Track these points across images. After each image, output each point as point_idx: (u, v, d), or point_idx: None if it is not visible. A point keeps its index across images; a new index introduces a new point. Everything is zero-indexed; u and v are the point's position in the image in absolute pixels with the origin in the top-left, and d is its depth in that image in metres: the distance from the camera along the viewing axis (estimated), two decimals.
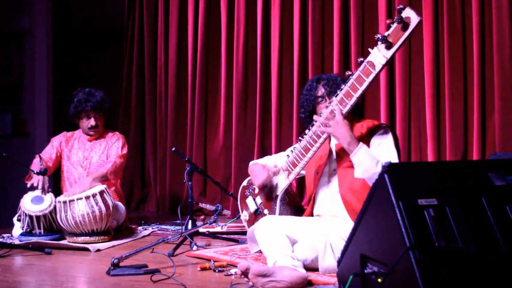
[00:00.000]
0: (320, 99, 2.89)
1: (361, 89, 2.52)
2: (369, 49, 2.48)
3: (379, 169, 2.51)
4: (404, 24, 2.34)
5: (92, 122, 4.08)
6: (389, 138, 2.74)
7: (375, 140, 2.73)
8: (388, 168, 1.87)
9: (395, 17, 2.35)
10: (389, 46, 2.39)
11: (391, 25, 2.38)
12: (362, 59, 2.51)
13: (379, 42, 2.41)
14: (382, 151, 2.68)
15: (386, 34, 2.40)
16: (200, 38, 5.26)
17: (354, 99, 2.56)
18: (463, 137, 4.09)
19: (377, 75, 2.48)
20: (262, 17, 4.92)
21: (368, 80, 2.48)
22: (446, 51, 4.07)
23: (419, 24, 2.33)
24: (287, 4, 4.83)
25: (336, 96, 2.64)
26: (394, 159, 2.67)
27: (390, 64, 4.32)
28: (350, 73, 2.57)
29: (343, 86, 2.61)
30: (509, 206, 1.90)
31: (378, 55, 2.44)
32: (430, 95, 4.12)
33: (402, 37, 2.36)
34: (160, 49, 5.56)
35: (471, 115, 4.04)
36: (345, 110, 2.60)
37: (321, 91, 2.89)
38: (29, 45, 6.06)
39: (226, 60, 5.14)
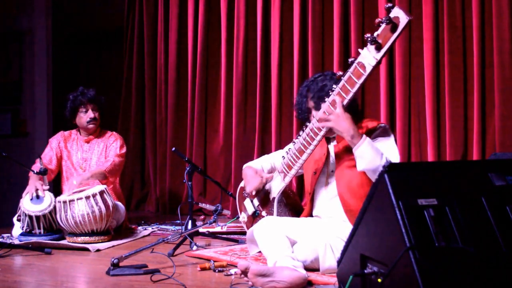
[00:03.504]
0: (309, 110, 2.84)
1: (352, 91, 2.45)
2: (359, 50, 2.41)
3: (384, 161, 2.49)
4: (393, 24, 2.26)
5: (90, 114, 4.09)
6: (391, 138, 2.72)
7: (377, 141, 2.69)
8: (388, 168, 1.87)
9: (384, 17, 2.27)
10: (378, 47, 2.32)
11: (380, 24, 2.30)
12: (352, 59, 2.44)
13: (368, 43, 2.34)
14: (385, 149, 2.64)
15: (375, 34, 2.32)
16: (200, 38, 5.26)
17: (345, 101, 2.51)
18: (463, 137, 4.08)
19: (368, 76, 2.41)
20: (262, 17, 4.92)
21: (359, 82, 2.42)
22: (446, 51, 4.07)
23: (408, 24, 2.25)
24: (287, 4, 4.82)
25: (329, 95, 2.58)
26: (396, 158, 2.64)
27: (390, 64, 4.32)
28: (341, 73, 2.51)
29: (335, 88, 2.54)
30: (509, 206, 1.90)
31: (368, 56, 2.37)
32: (430, 95, 4.12)
33: (391, 38, 2.28)
34: (160, 49, 5.56)
35: (471, 115, 4.04)
36: (345, 102, 2.53)
37: (310, 103, 2.83)
38: (29, 45, 6.07)
39: (226, 60, 5.14)
